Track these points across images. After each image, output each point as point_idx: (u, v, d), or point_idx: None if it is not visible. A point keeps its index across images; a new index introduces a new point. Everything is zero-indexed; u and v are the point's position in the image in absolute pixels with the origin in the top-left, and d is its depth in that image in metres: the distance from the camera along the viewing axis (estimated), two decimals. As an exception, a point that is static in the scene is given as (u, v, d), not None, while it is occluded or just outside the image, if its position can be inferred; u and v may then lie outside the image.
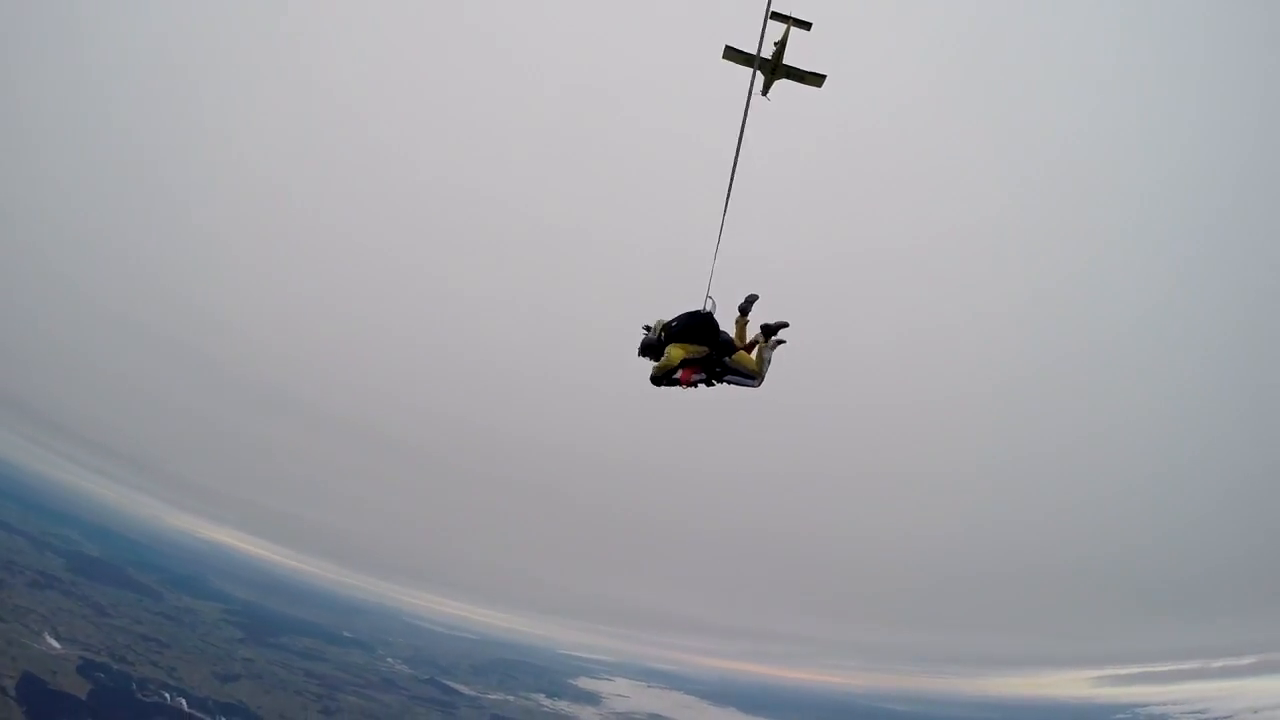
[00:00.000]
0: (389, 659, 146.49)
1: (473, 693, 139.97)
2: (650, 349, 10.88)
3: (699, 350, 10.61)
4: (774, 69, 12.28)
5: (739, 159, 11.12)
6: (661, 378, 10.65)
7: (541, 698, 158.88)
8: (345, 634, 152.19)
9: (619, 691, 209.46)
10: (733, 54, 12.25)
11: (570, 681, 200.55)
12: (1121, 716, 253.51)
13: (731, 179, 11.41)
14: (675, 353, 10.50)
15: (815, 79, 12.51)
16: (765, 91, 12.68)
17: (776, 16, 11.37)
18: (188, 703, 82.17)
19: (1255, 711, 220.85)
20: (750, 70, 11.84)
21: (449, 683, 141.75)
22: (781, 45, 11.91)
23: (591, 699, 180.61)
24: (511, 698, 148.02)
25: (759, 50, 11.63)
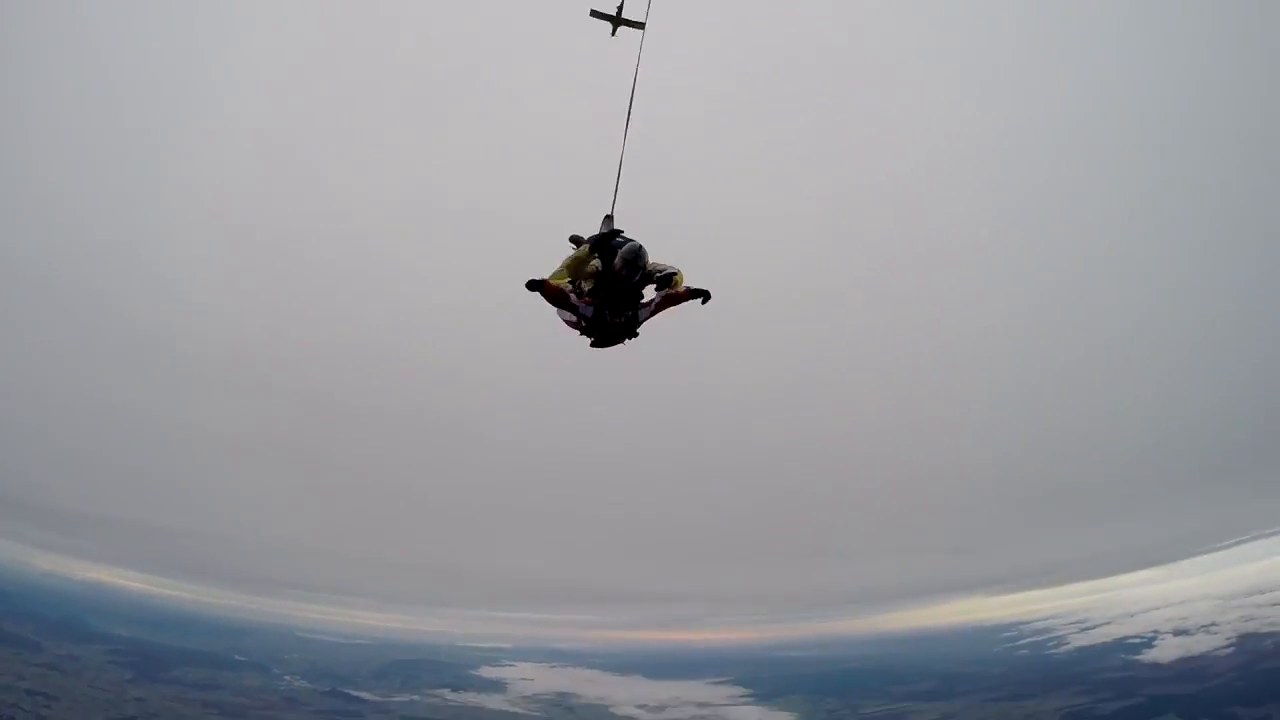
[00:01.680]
0: (286, 677, 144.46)
1: (377, 698, 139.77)
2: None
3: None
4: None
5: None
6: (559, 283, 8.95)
7: (447, 693, 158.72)
8: (237, 657, 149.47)
9: (523, 675, 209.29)
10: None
11: (473, 672, 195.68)
12: (1008, 635, 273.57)
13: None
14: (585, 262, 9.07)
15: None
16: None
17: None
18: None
19: (1132, 615, 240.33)
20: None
21: (352, 692, 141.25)
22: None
23: (497, 687, 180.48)
24: (417, 697, 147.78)
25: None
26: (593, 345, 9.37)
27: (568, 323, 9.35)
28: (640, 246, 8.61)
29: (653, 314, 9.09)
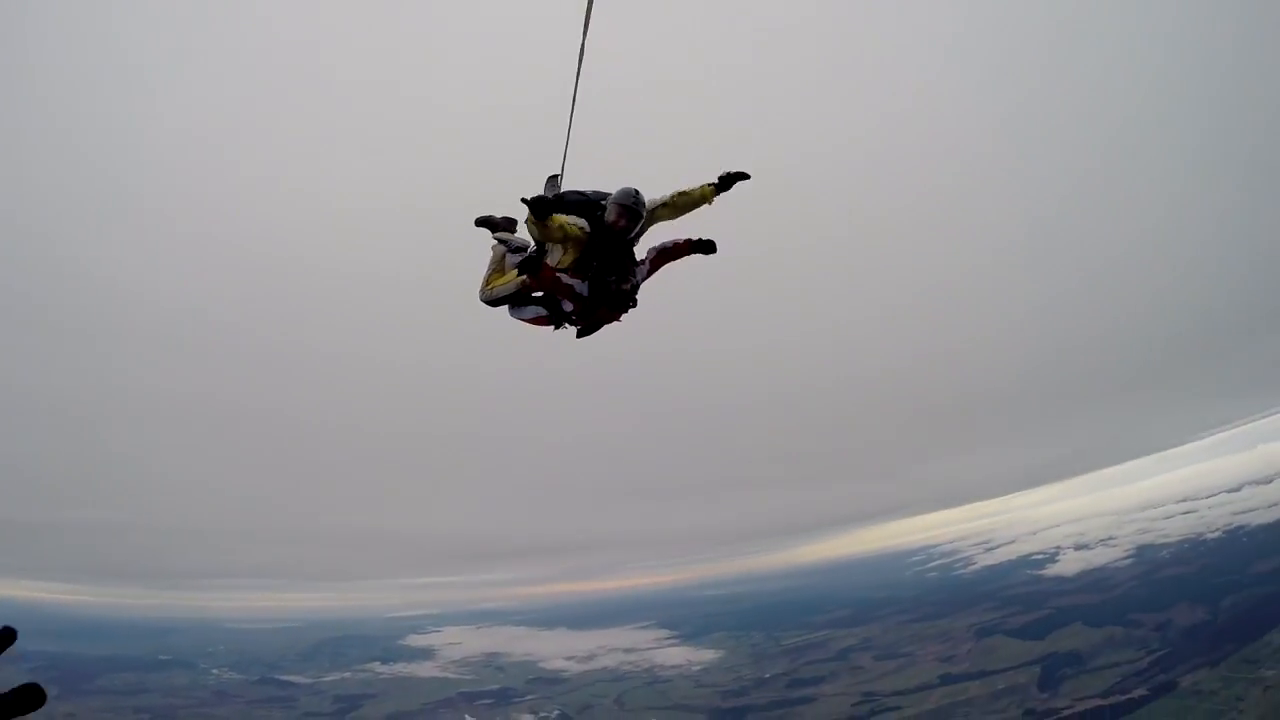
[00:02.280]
0: (214, 670, 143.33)
1: (308, 680, 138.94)
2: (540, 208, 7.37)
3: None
4: None
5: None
6: (529, 270, 7.80)
7: (377, 666, 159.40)
8: (162, 657, 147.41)
9: (451, 640, 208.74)
10: None
11: (401, 642, 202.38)
12: (917, 559, 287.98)
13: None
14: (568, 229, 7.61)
15: None
16: None
17: None
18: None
19: (1034, 534, 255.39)
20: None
21: (282, 677, 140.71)
22: None
23: (426, 654, 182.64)
24: (348, 674, 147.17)
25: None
26: (581, 334, 8.52)
27: (532, 320, 8.59)
28: (635, 189, 7.88)
29: (649, 274, 8.31)
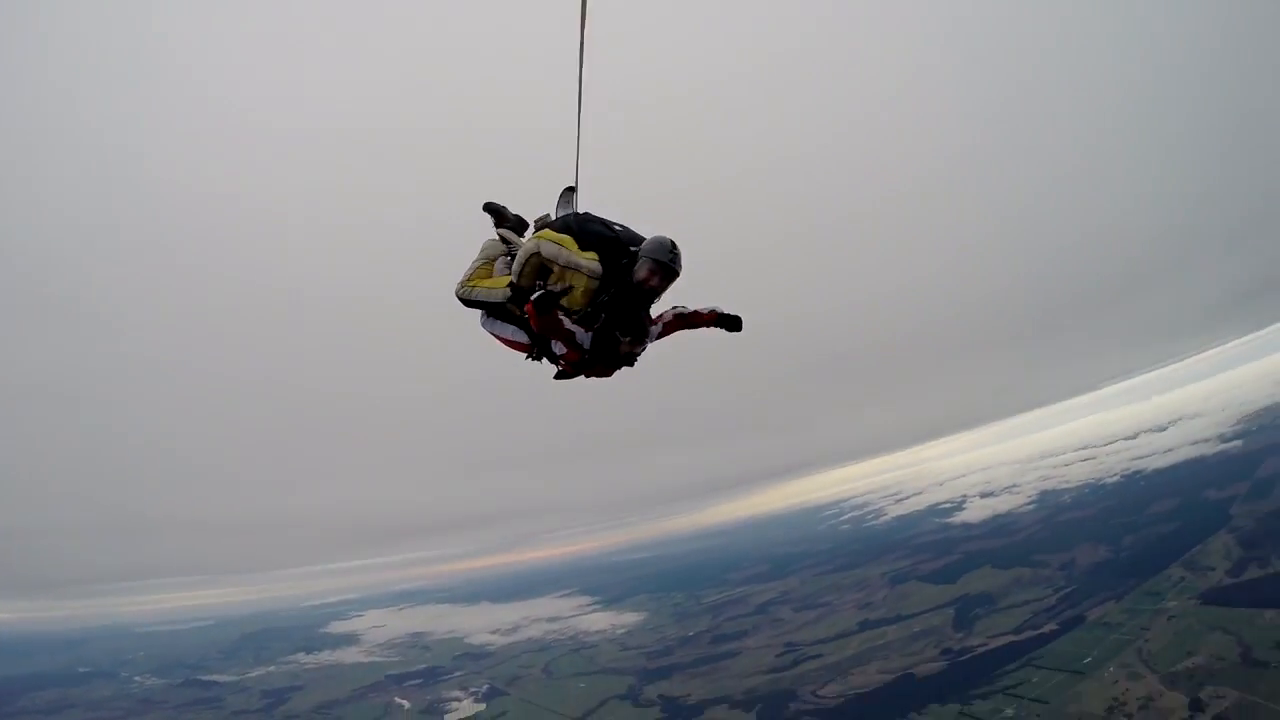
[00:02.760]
0: (137, 678, 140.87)
1: (233, 678, 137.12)
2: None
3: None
4: None
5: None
6: (543, 306, 6.16)
7: (302, 656, 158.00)
8: (82, 669, 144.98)
9: (374, 624, 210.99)
10: None
11: (324, 630, 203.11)
12: (830, 513, 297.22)
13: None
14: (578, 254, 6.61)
15: None
16: None
17: None
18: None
19: (941, 484, 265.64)
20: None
21: (207, 677, 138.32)
22: None
23: (350, 640, 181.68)
24: (273, 668, 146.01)
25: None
26: (560, 376, 7.16)
27: (506, 341, 7.30)
28: (673, 243, 6.73)
29: (659, 337, 7.27)
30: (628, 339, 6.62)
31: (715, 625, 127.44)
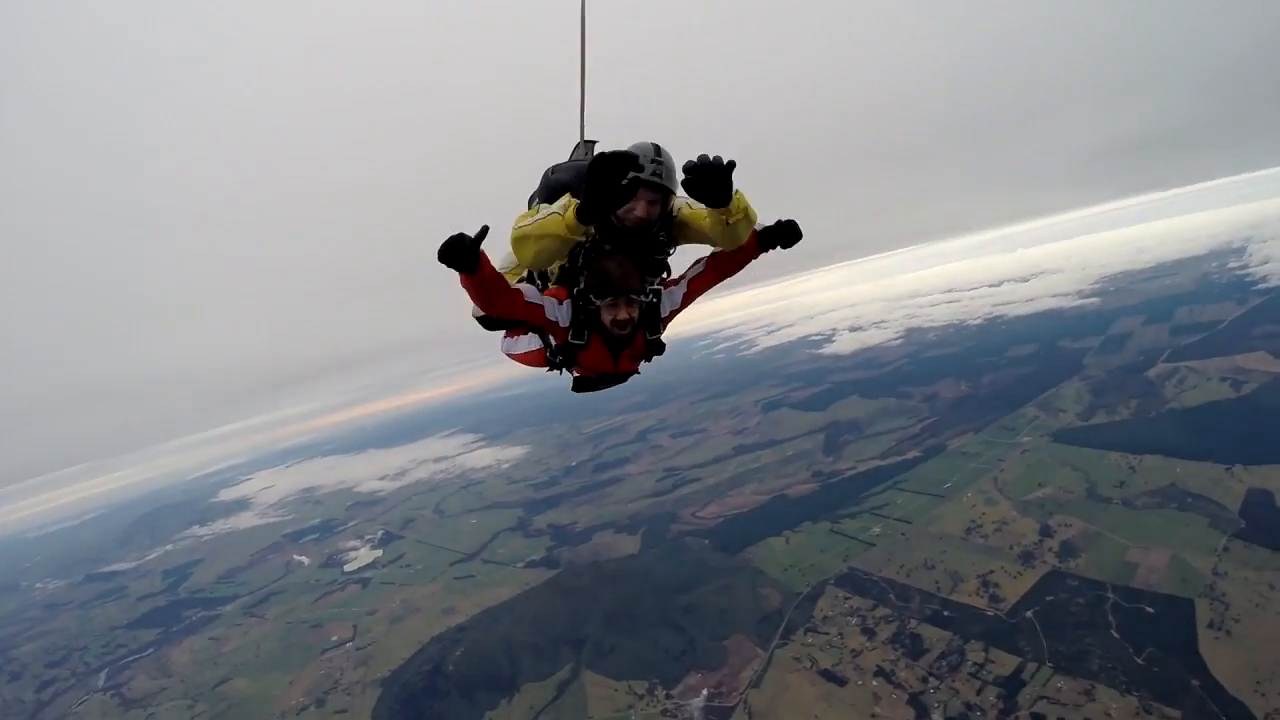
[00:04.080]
0: (38, 585, 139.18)
1: (133, 564, 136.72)
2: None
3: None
4: None
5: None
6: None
7: (197, 530, 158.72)
8: None
9: (263, 485, 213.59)
10: None
11: (214, 500, 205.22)
12: (703, 344, 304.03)
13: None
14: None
15: None
16: None
17: None
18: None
19: (811, 318, 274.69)
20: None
21: (106, 569, 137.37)
22: None
23: (242, 505, 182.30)
24: (170, 546, 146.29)
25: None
26: (579, 387, 5.41)
27: (531, 358, 5.51)
28: (655, 145, 4.65)
29: (685, 303, 5.25)
30: (622, 302, 4.64)
31: (597, 454, 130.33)
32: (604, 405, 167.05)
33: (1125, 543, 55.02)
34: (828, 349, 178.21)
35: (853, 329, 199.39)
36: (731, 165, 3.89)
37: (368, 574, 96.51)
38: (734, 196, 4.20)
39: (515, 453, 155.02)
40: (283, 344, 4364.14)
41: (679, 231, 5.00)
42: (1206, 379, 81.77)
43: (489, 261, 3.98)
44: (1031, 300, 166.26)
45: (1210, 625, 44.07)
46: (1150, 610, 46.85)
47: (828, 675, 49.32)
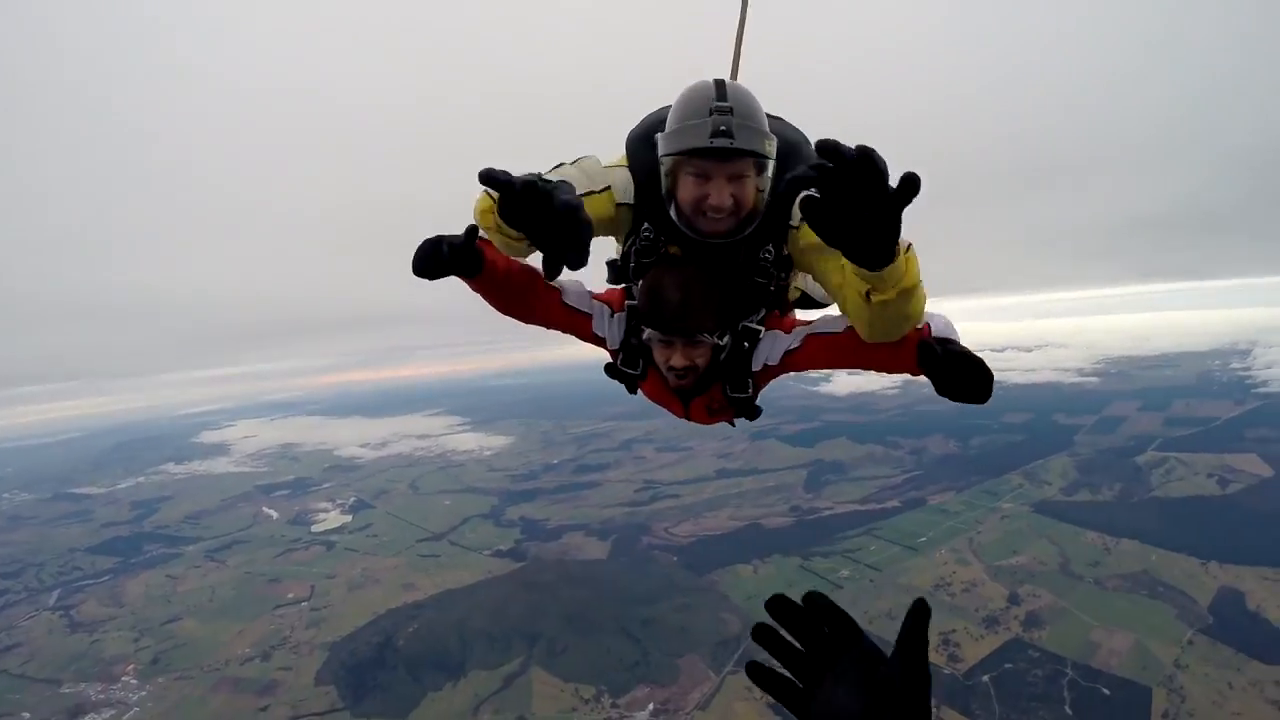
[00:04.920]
0: (5, 495, 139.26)
1: (103, 490, 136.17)
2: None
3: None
4: None
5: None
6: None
7: (171, 466, 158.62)
8: None
9: (245, 434, 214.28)
10: None
11: (194, 440, 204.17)
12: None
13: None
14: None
15: None
16: None
17: None
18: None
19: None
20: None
21: (76, 490, 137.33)
22: None
23: (220, 450, 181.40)
24: (142, 479, 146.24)
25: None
26: (688, 416, 3.78)
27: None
28: (718, 86, 2.83)
29: (793, 366, 3.41)
30: (678, 343, 3.08)
31: (580, 455, 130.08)
32: (595, 409, 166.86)
33: (1091, 621, 54.89)
34: (824, 387, 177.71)
35: (851, 372, 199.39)
36: (912, 186, 1.93)
37: (333, 538, 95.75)
38: (896, 256, 2.28)
39: (499, 441, 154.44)
40: (286, 292, 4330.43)
41: (796, 249, 3.10)
42: (1194, 473, 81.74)
43: (498, 255, 3.01)
44: (1032, 370, 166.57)
45: (1164, 716, 43.96)
46: (1107, 692, 46.70)
47: (775, 709, 48.92)
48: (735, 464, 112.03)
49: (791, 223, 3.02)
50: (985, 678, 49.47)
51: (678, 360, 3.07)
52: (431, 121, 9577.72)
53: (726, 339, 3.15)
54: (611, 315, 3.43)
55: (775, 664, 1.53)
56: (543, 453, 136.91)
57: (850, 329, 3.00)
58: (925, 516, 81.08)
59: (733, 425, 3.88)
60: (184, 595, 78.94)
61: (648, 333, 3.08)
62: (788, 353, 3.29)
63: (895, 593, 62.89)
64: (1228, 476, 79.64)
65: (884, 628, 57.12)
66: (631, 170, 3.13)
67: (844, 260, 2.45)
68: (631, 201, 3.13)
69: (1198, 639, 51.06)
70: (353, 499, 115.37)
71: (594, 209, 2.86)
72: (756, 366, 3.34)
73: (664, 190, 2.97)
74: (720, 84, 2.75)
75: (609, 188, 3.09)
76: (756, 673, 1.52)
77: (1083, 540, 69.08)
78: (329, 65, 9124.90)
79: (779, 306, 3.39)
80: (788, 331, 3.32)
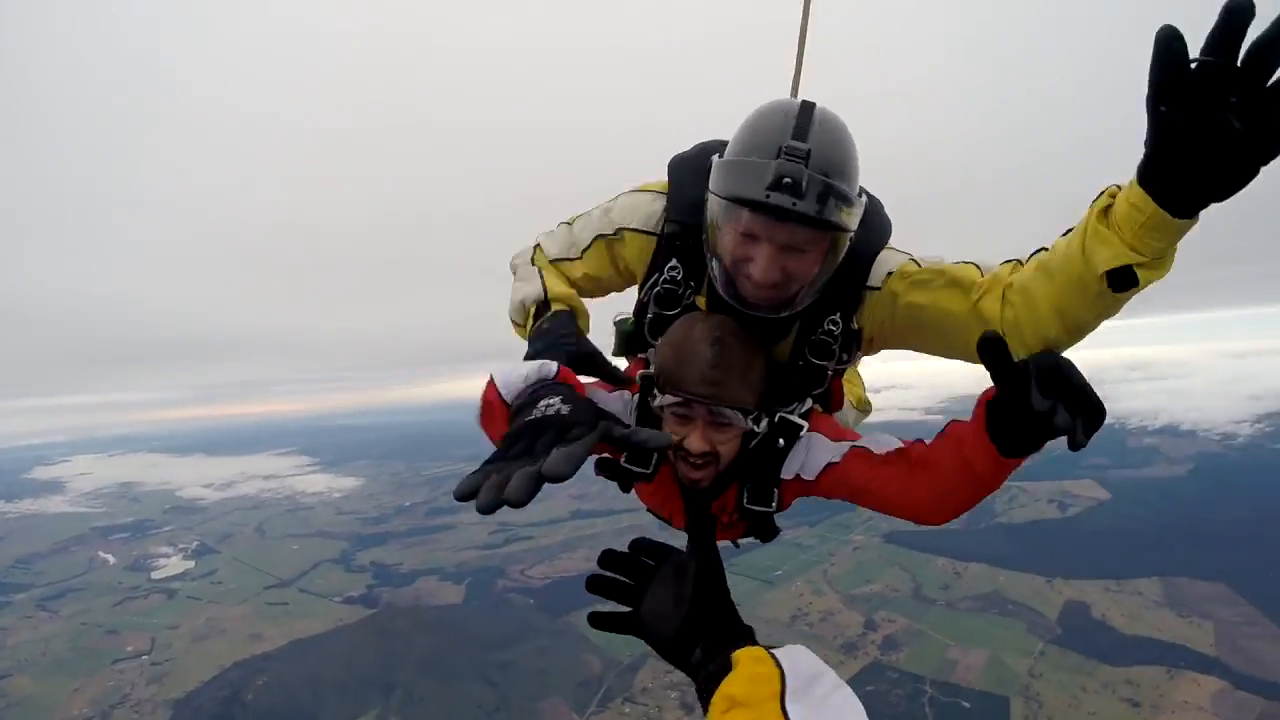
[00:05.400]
0: None
1: None
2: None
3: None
4: None
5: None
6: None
7: (1, 504, 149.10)
8: None
9: (81, 470, 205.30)
10: None
11: (26, 476, 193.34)
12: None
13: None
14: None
15: None
16: None
17: None
18: None
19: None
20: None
21: None
22: None
23: (54, 487, 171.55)
24: None
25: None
26: (692, 530, 2.19)
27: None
28: (800, 117, 1.93)
29: (828, 487, 2.38)
30: (701, 416, 2.16)
31: (432, 498, 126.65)
32: (447, 451, 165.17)
33: (947, 641, 56.32)
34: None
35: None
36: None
37: (175, 584, 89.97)
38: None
39: (349, 483, 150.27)
40: (129, 310, 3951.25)
41: (876, 317, 2.29)
42: (1035, 499, 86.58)
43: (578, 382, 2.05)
44: (879, 410, 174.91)
45: (1023, 722, 44.31)
46: (966, 705, 47.87)
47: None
48: (590, 505, 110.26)
49: (870, 284, 2.23)
50: (848, 701, 48.13)
51: (695, 443, 2.17)
52: (309, 137, 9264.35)
53: (763, 424, 2.28)
54: (629, 397, 2.44)
55: (609, 604, 1.66)
56: (395, 495, 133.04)
57: (913, 444, 2.20)
58: (780, 551, 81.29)
59: (736, 546, 2.85)
60: (14, 649, 72.17)
61: (660, 399, 2.19)
62: (829, 465, 2.33)
63: (754, 625, 60.01)
64: (1067, 501, 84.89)
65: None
66: (670, 197, 2.36)
67: (1048, 250, 1.87)
68: (659, 231, 2.38)
69: (1049, 649, 53.16)
70: (195, 543, 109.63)
71: (586, 267, 2.52)
72: (788, 475, 2.41)
73: (704, 236, 2.20)
74: (807, 113, 1.94)
75: (600, 237, 2.48)
76: (596, 618, 1.67)
77: (933, 566, 71.08)
78: (201, 69, 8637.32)
79: (826, 402, 2.57)
80: (833, 439, 2.36)
